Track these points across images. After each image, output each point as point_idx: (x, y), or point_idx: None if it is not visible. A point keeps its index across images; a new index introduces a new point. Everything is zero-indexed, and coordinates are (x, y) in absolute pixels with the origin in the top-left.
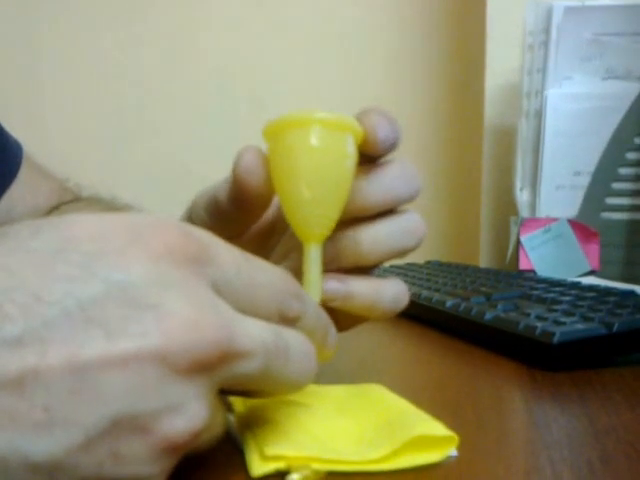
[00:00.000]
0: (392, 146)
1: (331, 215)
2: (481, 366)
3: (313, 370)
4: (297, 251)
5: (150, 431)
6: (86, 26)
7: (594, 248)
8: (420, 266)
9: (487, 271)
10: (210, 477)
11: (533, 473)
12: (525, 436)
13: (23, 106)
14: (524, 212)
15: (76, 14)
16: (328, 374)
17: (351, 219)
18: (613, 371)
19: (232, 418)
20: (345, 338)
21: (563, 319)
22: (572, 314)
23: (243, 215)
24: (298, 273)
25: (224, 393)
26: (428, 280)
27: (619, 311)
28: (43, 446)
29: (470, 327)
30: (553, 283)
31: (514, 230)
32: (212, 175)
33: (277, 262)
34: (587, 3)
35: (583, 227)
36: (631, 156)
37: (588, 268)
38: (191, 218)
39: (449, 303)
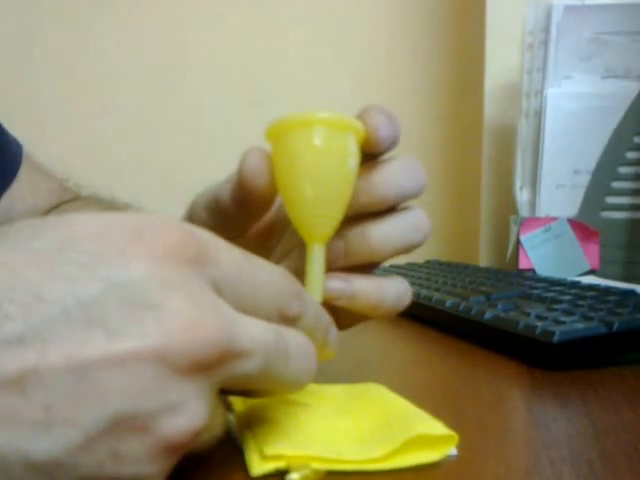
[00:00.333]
0: (393, 144)
1: (334, 215)
2: (481, 365)
3: (313, 370)
4: (297, 251)
5: (150, 431)
6: (85, 26)
7: (594, 247)
8: (420, 265)
9: (487, 270)
10: (210, 477)
11: (533, 472)
12: (525, 435)
13: (23, 106)
14: (524, 211)
15: (75, 13)
16: (328, 374)
17: (359, 215)
18: (613, 370)
19: (232, 418)
20: (345, 338)
21: (563, 318)
22: (572, 313)
23: (245, 215)
24: (298, 273)
25: (224, 393)
26: (428, 279)
27: (619, 310)
28: (43, 445)
29: (470, 326)
30: (553, 282)
31: (514, 229)
32: (212, 175)
33: (277, 262)
34: (587, 2)
35: (583, 226)
36: (631, 155)
37: (588, 267)
38: (191, 218)
39: (449, 302)
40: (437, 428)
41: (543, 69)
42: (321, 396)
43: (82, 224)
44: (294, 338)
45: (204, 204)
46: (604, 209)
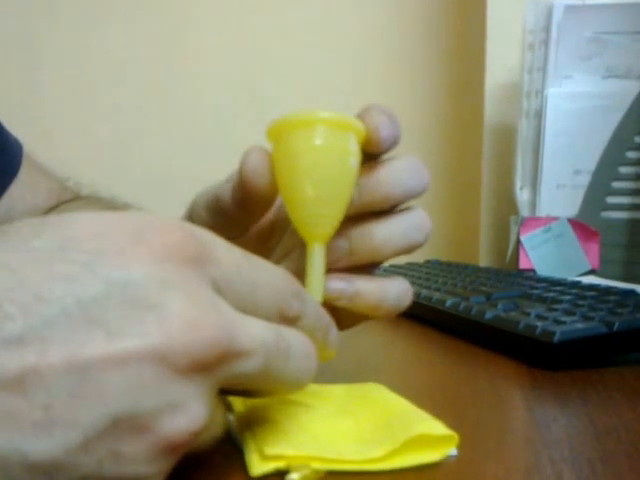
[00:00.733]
0: (394, 144)
1: (334, 214)
2: (481, 365)
3: (313, 370)
4: (297, 251)
5: (150, 431)
6: (86, 25)
7: (594, 247)
8: (420, 265)
9: (487, 270)
10: (210, 477)
11: (533, 472)
12: (525, 435)
13: (23, 105)
14: (524, 211)
15: (76, 13)
16: (328, 373)
17: (363, 214)
18: (613, 370)
19: (232, 418)
20: (345, 338)
21: (563, 318)
22: (572, 313)
23: (246, 215)
24: (298, 273)
25: (224, 393)
26: (428, 279)
27: (619, 310)
28: (42, 446)
29: (470, 326)
30: (553, 282)
31: (514, 229)
32: (212, 175)
33: (277, 262)
34: (587, 2)
35: (583, 226)
36: (631, 155)
37: (588, 267)
38: (191, 218)
39: (449, 302)
40: (437, 428)
41: (543, 69)
42: (321, 396)
43: (82, 224)
44: (294, 338)
45: (204, 204)
46: (604, 209)
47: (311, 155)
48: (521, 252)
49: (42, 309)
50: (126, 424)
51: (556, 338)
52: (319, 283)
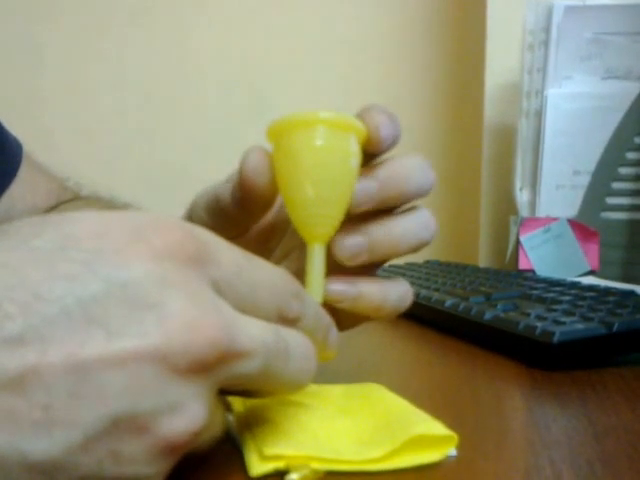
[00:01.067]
0: (394, 143)
1: (335, 215)
2: (481, 366)
3: (313, 370)
4: (297, 252)
5: (149, 431)
6: (86, 26)
7: (594, 248)
8: (419, 265)
9: (486, 271)
10: (209, 477)
11: (533, 473)
12: (525, 436)
13: (23, 105)
14: (524, 212)
15: (76, 15)
16: (327, 374)
17: (377, 212)
18: (613, 371)
19: (231, 418)
20: (344, 338)
21: (563, 319)
22: (572, 314)
23: (246, 215)
24: (298, 274)
25: (224, 393)
26: (427, 280)
27: (619, 311)
28: (42, 446)
29: (470, 327)
30: (553, 283)
31: (514, 230)
32: (212, 175)
33: (277, 263)
34: (587, 2)
35: (583, 227)
36: (631, 156)
37: (587, 268)
38: (191, 218)
39: (448, 303)
40: (437, 428)
41: (543, 69)
42: (321, 396)
43: (82, 223)
44: (294, 338)
45: (204, 204)
46: (604, 210)
47: (312, 155)
48: (520, 252)
49: (42, 308)
50: (126, 424)
51: (555, 339)
52: (319, 283)
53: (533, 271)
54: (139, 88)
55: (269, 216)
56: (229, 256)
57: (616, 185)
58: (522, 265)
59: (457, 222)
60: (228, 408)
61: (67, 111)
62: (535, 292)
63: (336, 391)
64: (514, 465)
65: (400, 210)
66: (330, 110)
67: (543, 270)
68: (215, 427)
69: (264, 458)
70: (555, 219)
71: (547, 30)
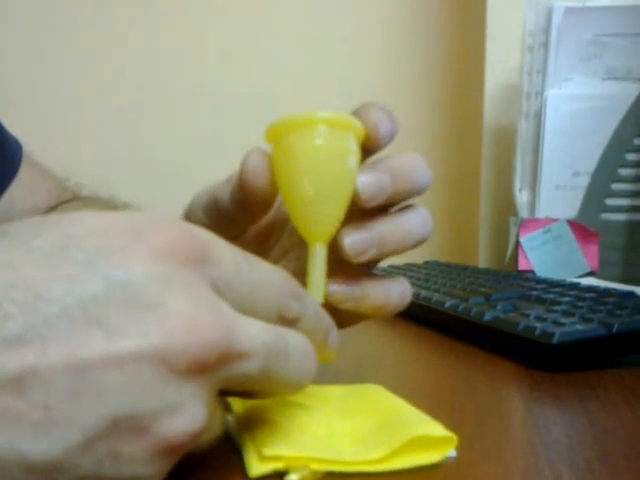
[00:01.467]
0: (391, 140)
1: (335, 214)
2: (480, 367)
3: (313, 371)
4: (296, 252)
5: (149, 432)
6: (87, 25)
7: (593, 249)
8: (419, 266)
9: (486, 271)
10: (208, 478)
11: (532, 474)
12: (524, 437)
13: (24, 105)
14: (523, 212)
15: (77, 13)
16: (327, 374)
17: (382, 209)
18: (612, 372)
19: (230, 418)
20: (344, 339)
21: (562, 320)
22: (571, 315)
23: (245, 216)
24: (296, 273)
25: (223, 394)
26: (427, 280)
27: (618, 312)
28: (41, 446)
29: (469, 328)
30: (552, 284)
31: (513, 230)
32: (212, 175)
33: (275, 263)
34: (587, 4)
35: (582, 228)
36: (631, 157)
37: (587, 269)
38: (189, 219)
39: (448, 303)
40: (436, 429)
41: (543, 70)
42: (320, 397)
43: (82, 223)
44: (294, 339)
45: (202, 205)
46: (604, 211)
47: (311, 155)
48: (520, 253)
49: (42, 308)
50: (125, 424)
51: (555, 340)
52: (320, 284)
53: (533, 272)
54: (139, 88)
55: (267, 217)
56: (229, 256)
57: (616, 186)
58: (522, 266)
59: (457, 223)
60: (227, 409)
61: (67, 111)
62: (535, 293)
63: (336, 392)
64: (514, 466)
65: (397, 208)
66: (328, 110)
67: (543, 271)
68: (214, 428)
69: (263, 459)
70: (555, 220)
71: (547, 31)
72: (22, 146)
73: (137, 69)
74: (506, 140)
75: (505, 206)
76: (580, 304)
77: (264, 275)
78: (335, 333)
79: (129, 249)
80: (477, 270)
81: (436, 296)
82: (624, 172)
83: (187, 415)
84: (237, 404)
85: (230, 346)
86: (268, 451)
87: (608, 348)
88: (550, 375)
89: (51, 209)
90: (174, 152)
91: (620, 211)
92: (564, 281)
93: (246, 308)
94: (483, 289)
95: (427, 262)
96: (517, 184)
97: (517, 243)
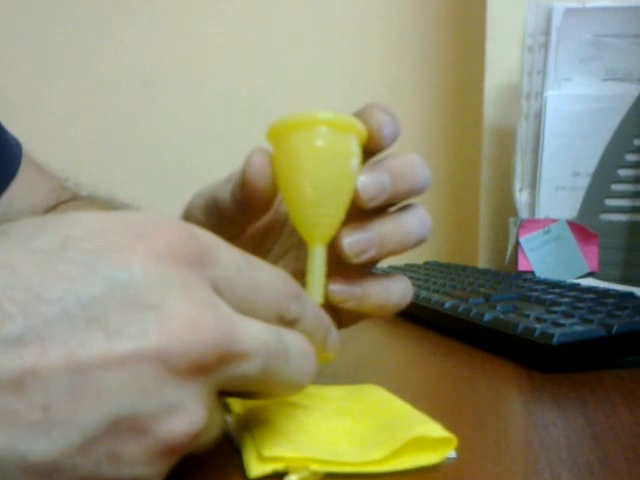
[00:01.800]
0: (394, 141)
1: (336, 215)
2: (480, 367)
3: (312, 372)
4: (294, 252)
5: (148, 432)
6: (88, 27)
7: (593, 250)
8: (419, 267)
9: (486, 272)
10: (208, 478)
11: (532, 474)
12: (524, 438)
13: (24, 106)
14: (523, 213)
15: (77, 15)
16: (326, 375)
17: (382, 208)
18: (612, 373)
19: (230, 419)
20: (344, 339)
21: (562, 321)
22: (571, 316)
23: (244, 216)
24: (295, 274)
25: (223, 395)
26: (427, 281)
27: (618, 313)
28: (41, 446)
29: (469, 328)
30: (552, 284)
31: (513, 231)
32: (212, 175)
33: (274, 263)
34: (587, 5)
35: (582, 228)
36: (631, 158)
37: (587, 270)
38: (188, 219)
39: (448, 304)
40: (436, 430)
41: (543, 71)
42: (320, 398)
43: (83, 223)
44: (293, 340)
45: (201, 205)
46: (603, 211)
47: (312, 156)
48: (520, 254)
49: (42, 309)
50: (125, 425)
51: (555, 340)
52: (320, 284)
53: (532, 272)
54: (139, 88)
55: (266, 216)
56: (228, 257)
57: (616, 187)
58: (521, 266)
59: (456, 223)
60: (227, 409)
61: (67, 111)
62: (534, 294)
63: (335, 392)
64: (513, 467)
65: (396, 208)
66: (330, 111)
67: (542, 271)
68: (214, 428)
69: (263, 460)
70: (555, 221)
71: (547, 32)
72: (22, 146)
73: (137, 69)
74: (506, 140)
75: (505, 206)
76: (580, 305)
77: (264, 276)
78: (335, 334)
79: (129, 249)
80: (477, 271)
81: (436, 297)
82: (624, 173)
83: (187, 416)
84: (237, 405)
85: (230, 347)
86: (268, 452)
87: (608, 349)
88: (550, 376)
89: (51, 209)
90: (174, 152)
91: (620, 212)
92: (564, 282)
93: (246, 309)
94: (483, 290)
95: (427, 262)
96: (517, 184)
97: (517, 244)
